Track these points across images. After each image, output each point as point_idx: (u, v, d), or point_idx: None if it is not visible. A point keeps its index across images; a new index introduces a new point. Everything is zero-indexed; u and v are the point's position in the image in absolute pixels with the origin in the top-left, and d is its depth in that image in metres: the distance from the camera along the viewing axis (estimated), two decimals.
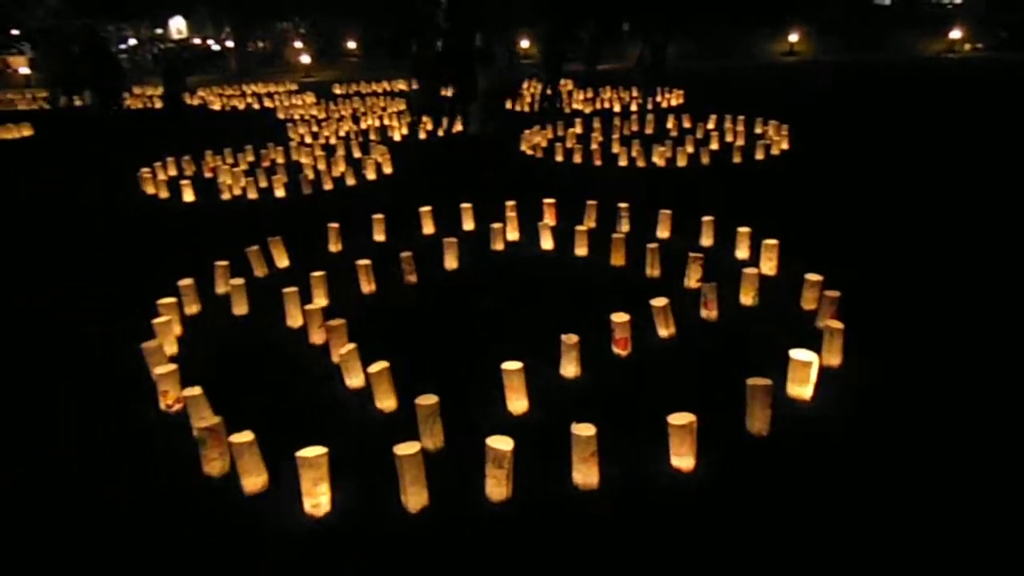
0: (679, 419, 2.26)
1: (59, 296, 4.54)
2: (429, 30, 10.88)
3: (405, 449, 2.14)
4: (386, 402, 2.78)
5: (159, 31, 35.41)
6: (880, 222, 5.35)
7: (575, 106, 12.99)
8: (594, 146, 8.23)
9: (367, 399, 2.83)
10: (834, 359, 2.99)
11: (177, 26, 36.03)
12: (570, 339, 2.96)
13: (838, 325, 3.00)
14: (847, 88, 15.04)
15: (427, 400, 2.46)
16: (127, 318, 3.78)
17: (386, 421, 2.75)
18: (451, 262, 4.63)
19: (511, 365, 2.72)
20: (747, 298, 3.71)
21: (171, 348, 3.40)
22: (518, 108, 13.19)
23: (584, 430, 2.19)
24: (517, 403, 2.71)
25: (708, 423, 2.35)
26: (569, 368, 2.97)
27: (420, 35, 11.29)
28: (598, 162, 7.86)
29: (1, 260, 5.40)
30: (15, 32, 24.01)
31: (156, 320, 3.46)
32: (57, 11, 21.25)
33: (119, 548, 2.17)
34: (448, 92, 10.74)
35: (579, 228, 4.84)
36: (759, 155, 7.74)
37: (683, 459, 2.29)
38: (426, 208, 5.43)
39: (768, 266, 4.13)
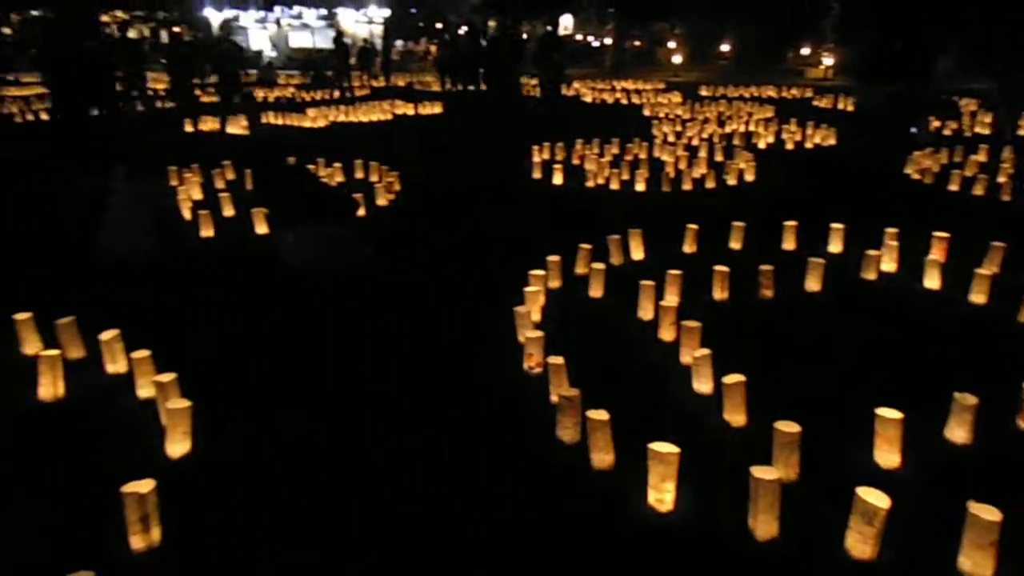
0: None
1: (450, 252, 5.27)
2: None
3: (764, 473, 2.03)
4: (736, 416, 2.68)
5: (549, 28, 38.98)
6: None
7: (977, 129, 11.05)
8: (1003, 178, 6.93)
9: (716, 407, 2.77)
10: None
11: (564, 23, 39.29)
12: (966, 399, 2.52)
13: None
14: None
15: (788, 427, 2.30)
16: (503, 281, 4.21)
17: (734, 435, 2.65)
18: (813, 284, 4.29)
19: (888, 412, 2.41)
20: None
21: (536, 316, 3.71)
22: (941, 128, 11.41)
23: (986, 512, 1.84)
24: (888, 456, 2.40)
25: None
26: (958, 431, 2.54)
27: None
28: (1006, 197, 6.60)
29: (410, 218, 6.44)
30: (439, 26, 28.48)
31: (527, 288, 3.80)
32: (476, 8, 24.69)
33: (475, 484, 2.43)
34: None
35: (980, 271, 4.11)
36: None
37: None
38: (791, 223, 5.12)
39: None
